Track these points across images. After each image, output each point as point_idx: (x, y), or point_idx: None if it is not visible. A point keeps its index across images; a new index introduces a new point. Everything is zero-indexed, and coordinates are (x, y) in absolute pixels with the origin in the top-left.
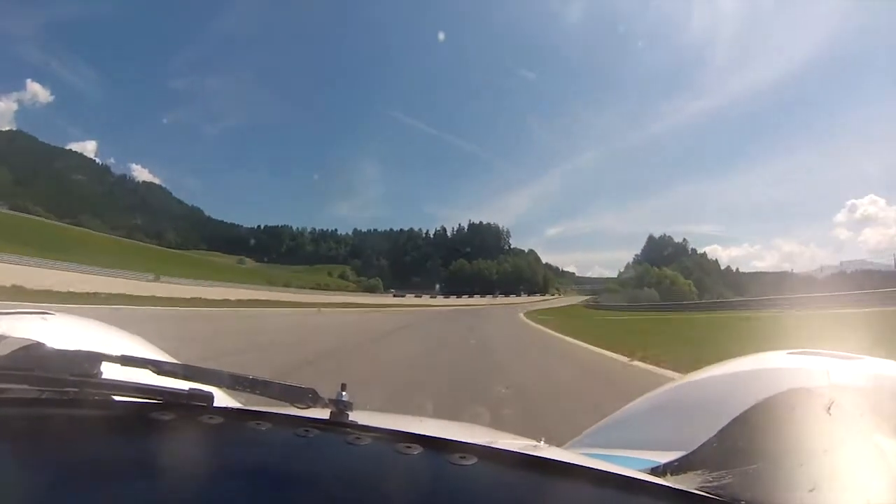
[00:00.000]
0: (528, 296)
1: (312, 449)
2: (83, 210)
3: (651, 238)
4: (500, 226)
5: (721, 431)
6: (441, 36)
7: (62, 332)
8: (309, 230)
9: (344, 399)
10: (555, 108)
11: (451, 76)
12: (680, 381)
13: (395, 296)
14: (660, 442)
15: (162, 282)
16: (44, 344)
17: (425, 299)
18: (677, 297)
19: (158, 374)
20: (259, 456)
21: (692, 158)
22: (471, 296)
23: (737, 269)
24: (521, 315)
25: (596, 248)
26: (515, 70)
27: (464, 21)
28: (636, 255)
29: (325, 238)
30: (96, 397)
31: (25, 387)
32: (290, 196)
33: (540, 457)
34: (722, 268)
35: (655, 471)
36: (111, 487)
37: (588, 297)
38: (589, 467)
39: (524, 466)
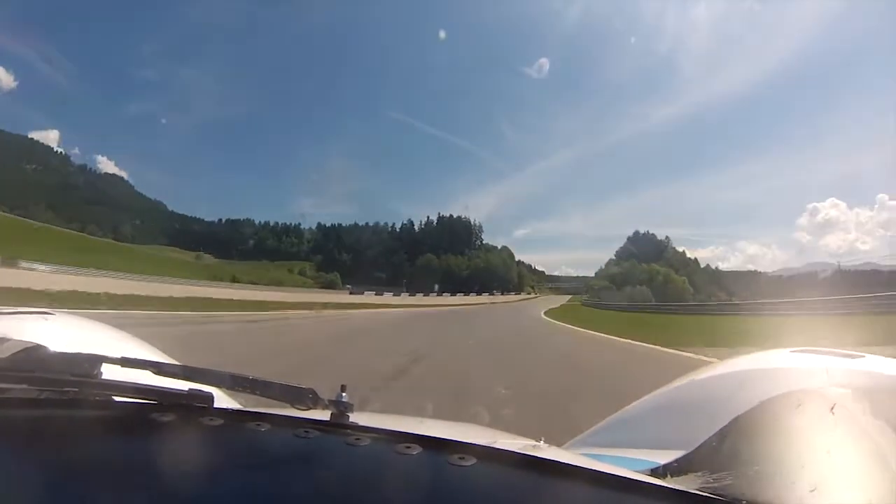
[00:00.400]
0: (503, 294)
1: (312, 450)
2: (36, 201)
3: (636, 234)
4: (472, 220)
5: (721, 431)
6: (413, 32)
7: (62, 332)
8: (272, 224)
9: (344, 400)
10: (525, 109)
11: (423, 73)
12: (680, 381)
13: (351, 293)
14: (660, 442)
15: (20, 268)
16: (44, 345)
17: (387, 298)
18: (673, 295)
19: (158, 374)
20: (259, 457)
21: (658, 163)
22: (440, 294)
23: (716, 268)
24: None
25: (562, 248)
26: (487, 70)
27: (436, 18)
28: (617, 251)
29: (288, 233)
30: (96, 398)
31: (26, 387)
32: (256, 190)
33: (539, 457)
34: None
35: (655, 471)
36: (112, 488)
37: (569, 296)
38: (588, 468)
39: (523, 467)
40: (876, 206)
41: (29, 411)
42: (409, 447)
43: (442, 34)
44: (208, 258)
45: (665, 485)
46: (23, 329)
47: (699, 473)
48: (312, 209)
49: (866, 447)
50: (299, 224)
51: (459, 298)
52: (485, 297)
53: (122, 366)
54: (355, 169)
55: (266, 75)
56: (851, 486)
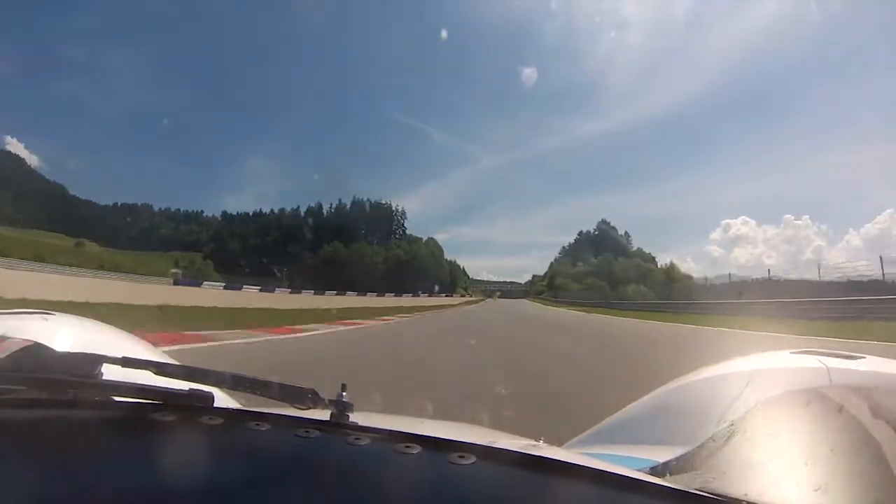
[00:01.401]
0: (430, 296)
1: (312, 449)
2: None
3: (602, 224)
4: (394, 205)
5: (722, 431)
6: (343, 23)
7: (62, 332)
8: (172, 211)
9: (344, 400)
10: (452, 114)
11: (349, 66)
12: (681, 381)
13: (176, 284)
14: (660, 442)
15: None
16: (44, 345)
17: (245, 294)
18: (683, 296)
19: (159, 374)
20: (259, 457)
21: (581, 177)
22: (342, 293)
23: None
24: None
25: (482, 255)
26: (418, 71)
27: (370, 11)
28: (567, 246)
29: (187, 220)
30: (97, 398)
31: (26, 388)
32: (169, 176)
33: (539, 456)
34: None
35: (655, 470)
36: (112, 488)
37: (520, 299)
38: (588, 467)
39: (523, 466)
40: (782, 224)
41: (29, 412)
42: (409, 447)
43: (376, 29)
44: (92, 246)
45: (665, 484)
46: (23, 329)
47: (700, 472)
48: (222, 194)
49: (868, 447)
50: (202, 211)
51: (372, 299)
52: (408, 299)
53: (123, 366)
54: (275, 159)
55: (187, 61)
56: (854, 487)
